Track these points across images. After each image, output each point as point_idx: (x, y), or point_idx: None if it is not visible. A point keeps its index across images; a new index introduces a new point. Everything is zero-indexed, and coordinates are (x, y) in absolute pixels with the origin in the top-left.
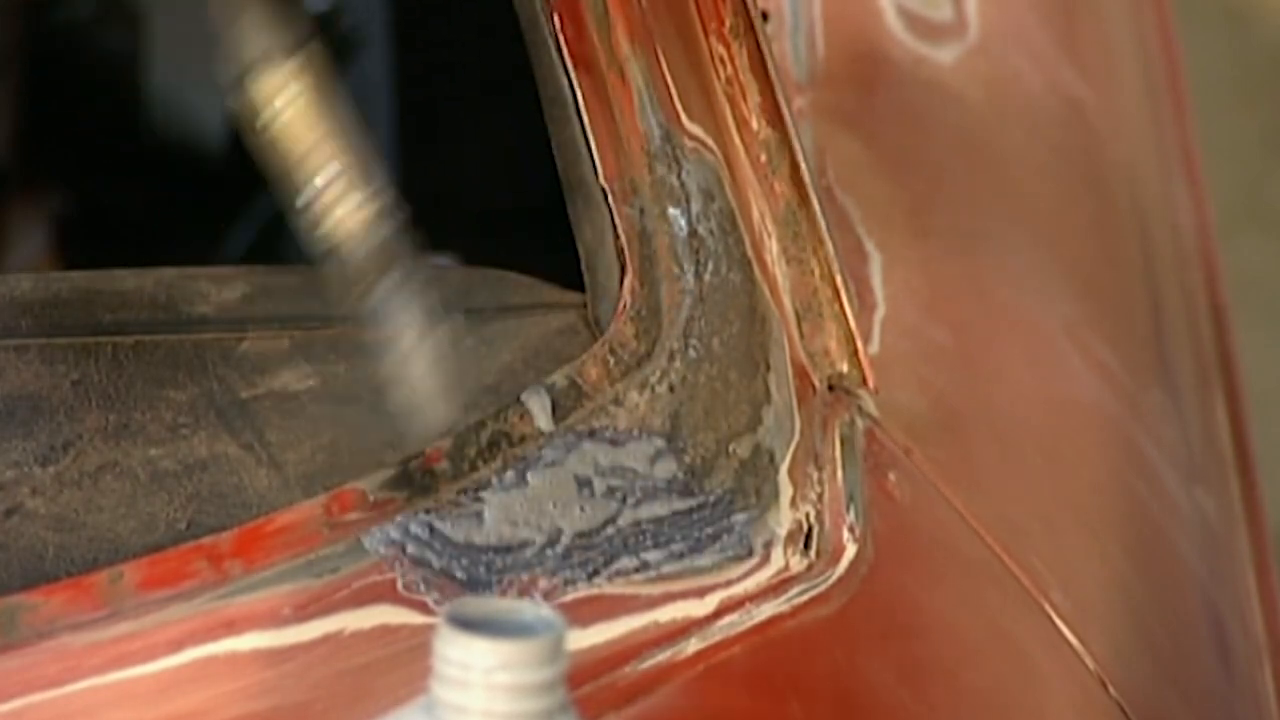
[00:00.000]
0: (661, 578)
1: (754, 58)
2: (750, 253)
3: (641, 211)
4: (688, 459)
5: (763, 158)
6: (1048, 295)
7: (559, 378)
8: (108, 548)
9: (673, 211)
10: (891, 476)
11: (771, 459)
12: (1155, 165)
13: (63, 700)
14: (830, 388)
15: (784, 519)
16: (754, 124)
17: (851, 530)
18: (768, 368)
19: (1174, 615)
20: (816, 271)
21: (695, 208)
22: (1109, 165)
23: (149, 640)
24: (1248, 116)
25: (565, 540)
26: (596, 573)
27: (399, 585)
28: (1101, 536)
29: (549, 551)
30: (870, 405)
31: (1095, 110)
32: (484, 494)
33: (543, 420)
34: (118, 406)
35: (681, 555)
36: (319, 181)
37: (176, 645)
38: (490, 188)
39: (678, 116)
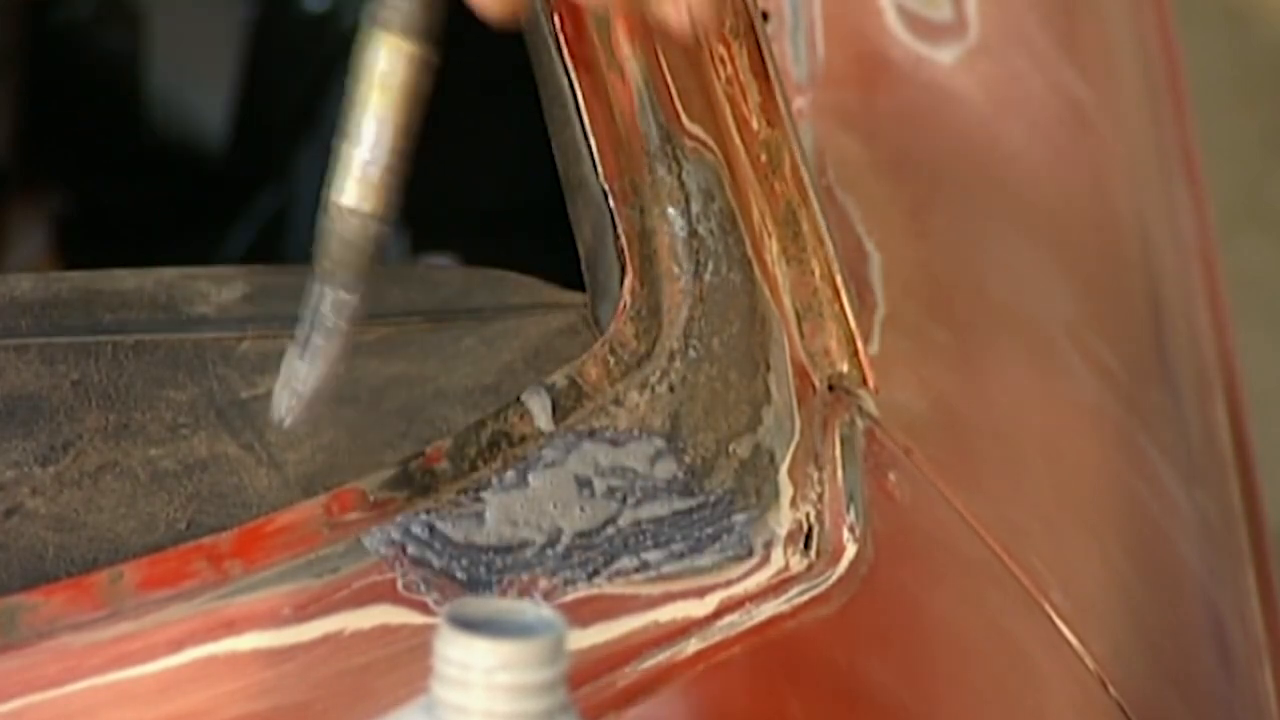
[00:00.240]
0: (661, 578)
1: (754, 58)
2: (750, 253)
3: (641, 211)
4: (688, 459)
5: (763, 158)
6: (1048, 295)
7: (559, 378)
8: (108, 548)
9: (672, 211)
10: (891, 476)
11: (771, 459)
12: (1155, 165)
13: (63, 700)
14: (830, 388)
15: (784, 519)
16: (754, 124)
17: (851, 530)
18: (768, 368)
19: (1174, 615)
20: (816, 271)
21: (695, 208)
22: (1109, 165)
23: (149, 640)
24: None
25: (565, 540)
26: (596, 573)
27: (399, 585)
28: (1101, 536)
29: (549, 551)
30: (870, 405)
31: (1095, 110)
32: (484, 494)
33: (543, 420)
34: (118, 406)
35: (681, 555)
36: (357, 152)
37: (176, 645)
38: (490, 188)
39: (678, 116)
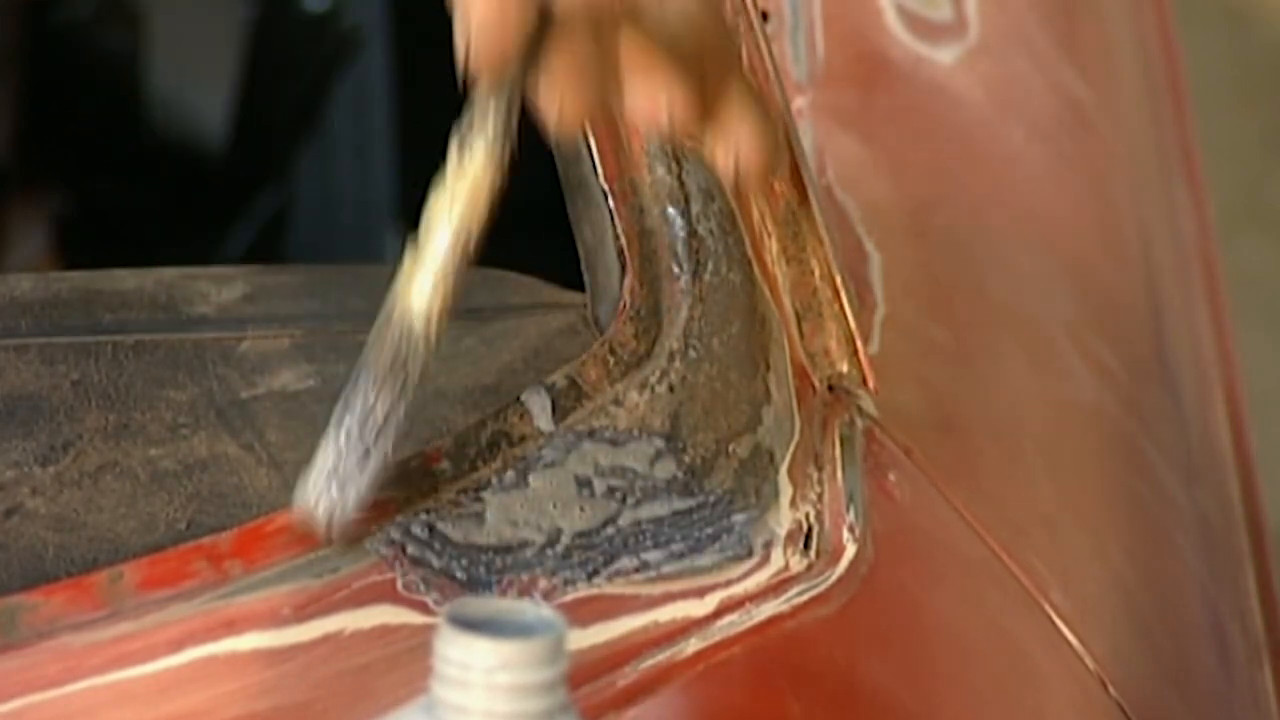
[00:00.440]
0: (661, 578)
1: (754, 58)
2: (750, 253)
3: (641, 211)
4: (687, 459)
5: None
6: (1048, 295)
7: (559, 378)
8: (108, 548)
9: (672, 211)
10: (891, 476)
11: (771, 459)
12: (1155, 165)
13: (63, 700)
14: (830, 388)
15: (784, 519)
16: None
17: (851, 530)
18: (768, 368)
19: (1174, 615)
20: (816, 271)
21: (695, 208)
22: (1109, 165)
23: (149, 640)
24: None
25: (565, 540)
26: (596, 573)
27: (399, 585)
28: (1101, 536)
29: (549, 551)
30: (870, 405)
31: (1095, 110)
32: (484, 494)
33: (543, 420)
34: (118, 406)
35: (681, 555)
36: (430, 255)
37: (176, 645)
38: None
39: None
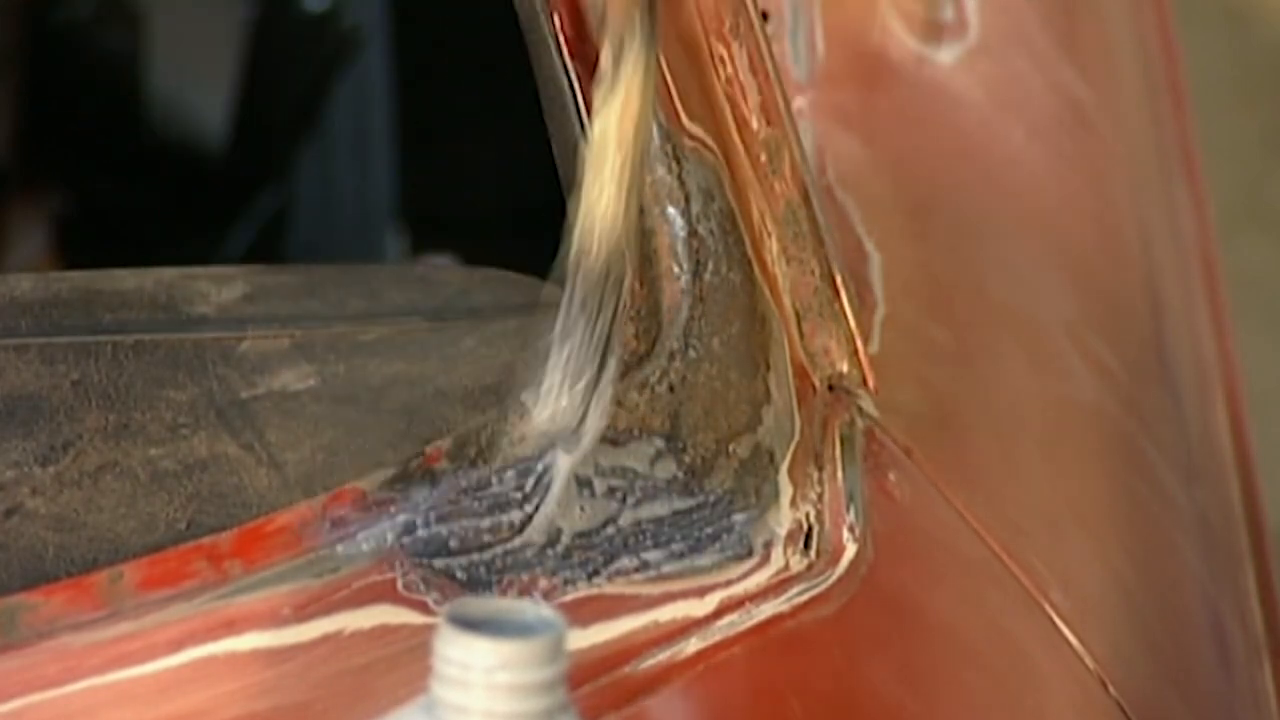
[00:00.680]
0: (661, 577)
1: (754, 58)
2: (750, 252)
3: (641, 211)
4: (688, 459)
5: (763, 158)
6: (1048, 295)
7: None
8: (108, 548)
9: (672, 211)
10: (891, 476)
11: (771, 459)
12: (1155, 165)
13: (63, 700)
14: (830, 388)
15: (784, 519)
16: (754, 124)
17: (851, 530)
18: (768, 367)
19: (1174, 615)
20: (816, 271)
21: (695, 208)
22: (1109, 165)
23: (149, 640)
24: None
25: (565, 540)
26: (596, 572)
27: (399, 585)
28: (1101, 536)
29: (549, 551)
30: (870, 405)
31: (1095, 110)
32: (484, 494)
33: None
34: (118, 406)
35: (681, 555)
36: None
37: (176, 645)
38: (490, 188)
39: (677, 116)
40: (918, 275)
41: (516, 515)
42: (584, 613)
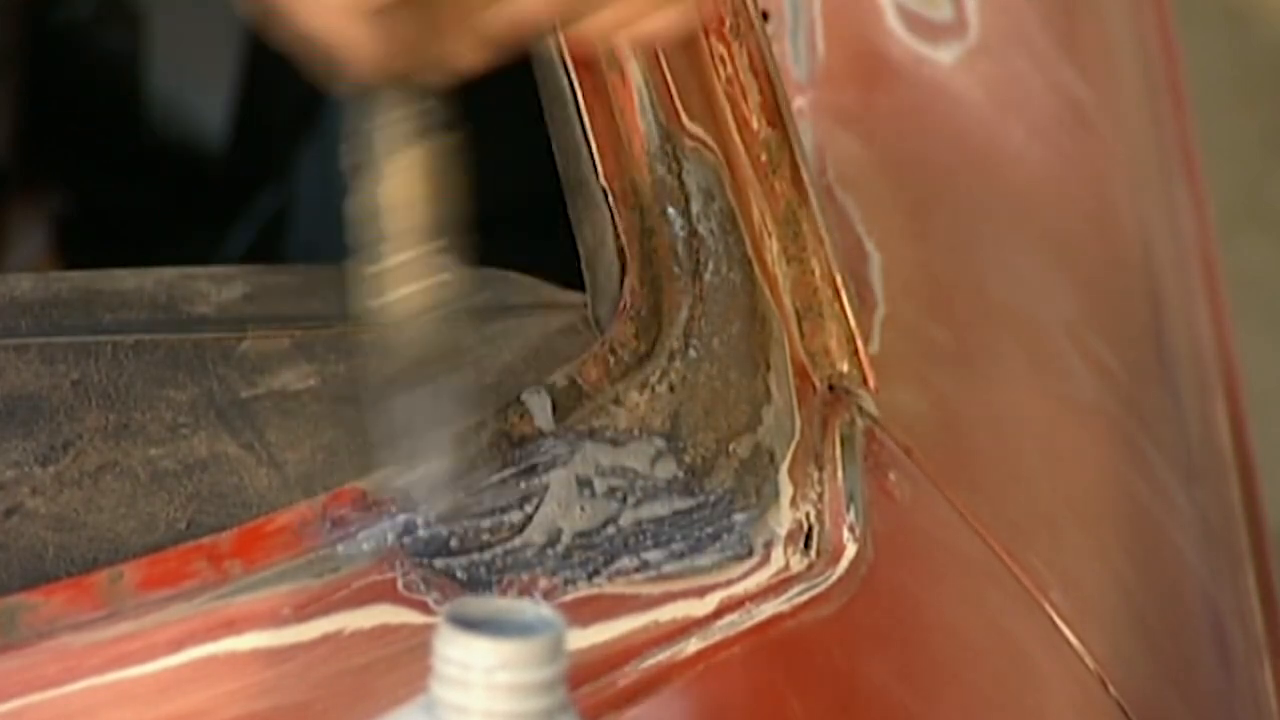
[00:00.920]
0: (662, 577)
1: (754, 58)
2: (750, 252)
3: (641, 211)
4: (688, 458)
5: (763, 158)
6: (1048, 295)
7: (559, 378)
8: (108, 548)
9: (672, 211)
10: (891, 476)
11: (771, 459)
12: (1155, 165)
13: (63, 700)
14: (830, 388)
15: (784, 519)
16: (754, 124)
17: (851, 530)
18: (768, 367)
19: (1174, 615)
20: (816, 271)
21: (695, 208)
22: (1109, 165)
23: (149, 640)
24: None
25: (566, 540)
26: (597, 572)
27: (399, 585)
28: (1101, 536)
29: (549, 551)
30: (870, 405)
31: (1095, 110)
32: (484, 494)
33: (543, 420)
34: (118, 406)
35: (682, 555)
36: (394, 259)
37: (176, 645)
38: (490, 188)
39: (678, 116)
40: (918, 275)
41: (516, 515)
42: (584, 613)
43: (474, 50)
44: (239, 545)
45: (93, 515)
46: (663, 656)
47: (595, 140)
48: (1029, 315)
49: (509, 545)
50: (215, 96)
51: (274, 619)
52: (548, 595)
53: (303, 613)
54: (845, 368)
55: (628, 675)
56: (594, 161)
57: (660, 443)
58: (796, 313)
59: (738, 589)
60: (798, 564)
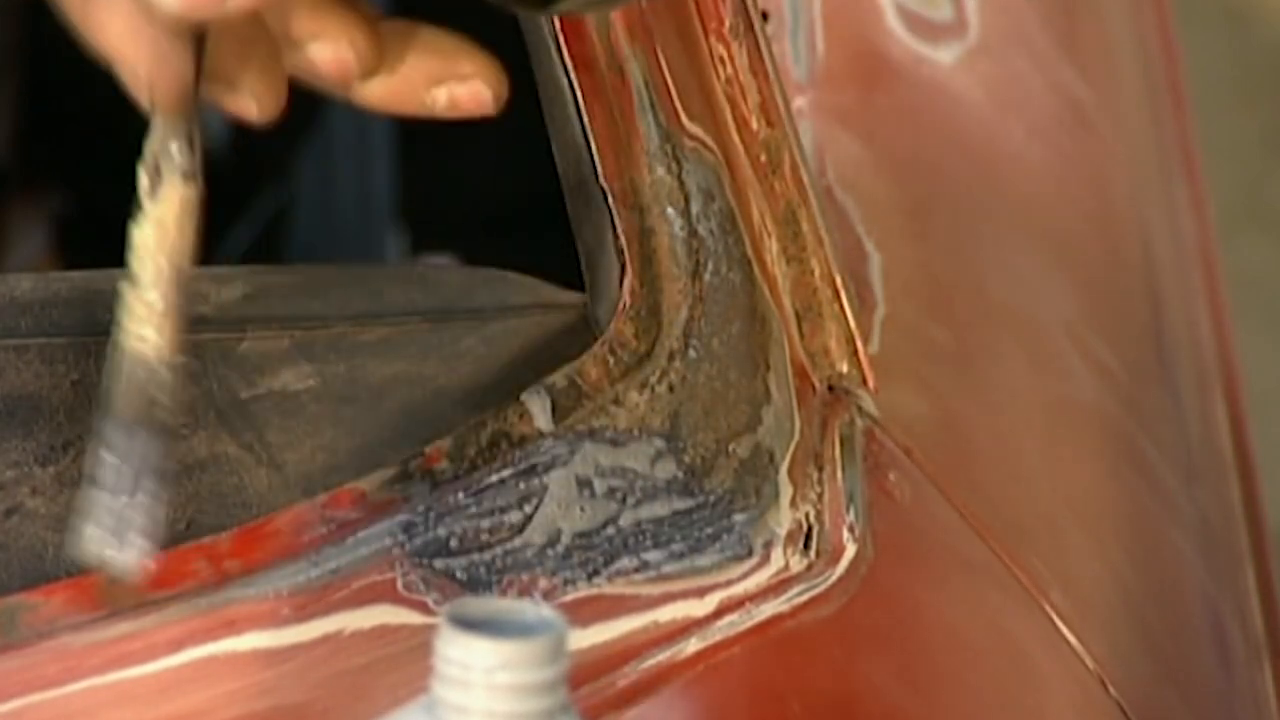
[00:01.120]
0: (662, 577)
1: (754, 58)
2: (750, 252)
3: (641, 211)
4: (688, 459)
5: (763, 158)
6: (1048, 295)
7: (559, 378)
8: None
9: (672, 211)
10: (891, 476)
11: (771, 459)
12: (1155, 165)
13: (63, 700)
14: (830, 388)
15: (784, 519)
16: (754, 124)
17: (851, 530)
18: (768, 367)
19: (1174, 615)
20: (816, 271)
21: (695, 208)
22: (1109, 165)
23: (149, 640)
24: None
25: (565, 540)
26: (596, 573)
27: (399, 585)
28: (1101, 536)
29: (549, 551)
30: (870, 405)
31: (1095, 110)
32: (484, 494)
33: (543, 420)
34: None
35: (682, 555)
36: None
37: (176, 645)
38: (490, 188)
39: (678, 116)
40: (918, 275)
41: (516, 515)
42: (584, 613)
43: (261, 92)
44: (239, 545)
45: None
46: (663, 657)
47: (595, 140)
48: (1029, 315)
49: (509, 545)
50: None
51: (274, 619)
52: (547, 595)
53: (303, 613)
54: (845, 368)
55: (627, 675)
56: (594, 161)
57: (660, 443)
58: (796, 313)
59: (738, 589)
60: (798, 564)
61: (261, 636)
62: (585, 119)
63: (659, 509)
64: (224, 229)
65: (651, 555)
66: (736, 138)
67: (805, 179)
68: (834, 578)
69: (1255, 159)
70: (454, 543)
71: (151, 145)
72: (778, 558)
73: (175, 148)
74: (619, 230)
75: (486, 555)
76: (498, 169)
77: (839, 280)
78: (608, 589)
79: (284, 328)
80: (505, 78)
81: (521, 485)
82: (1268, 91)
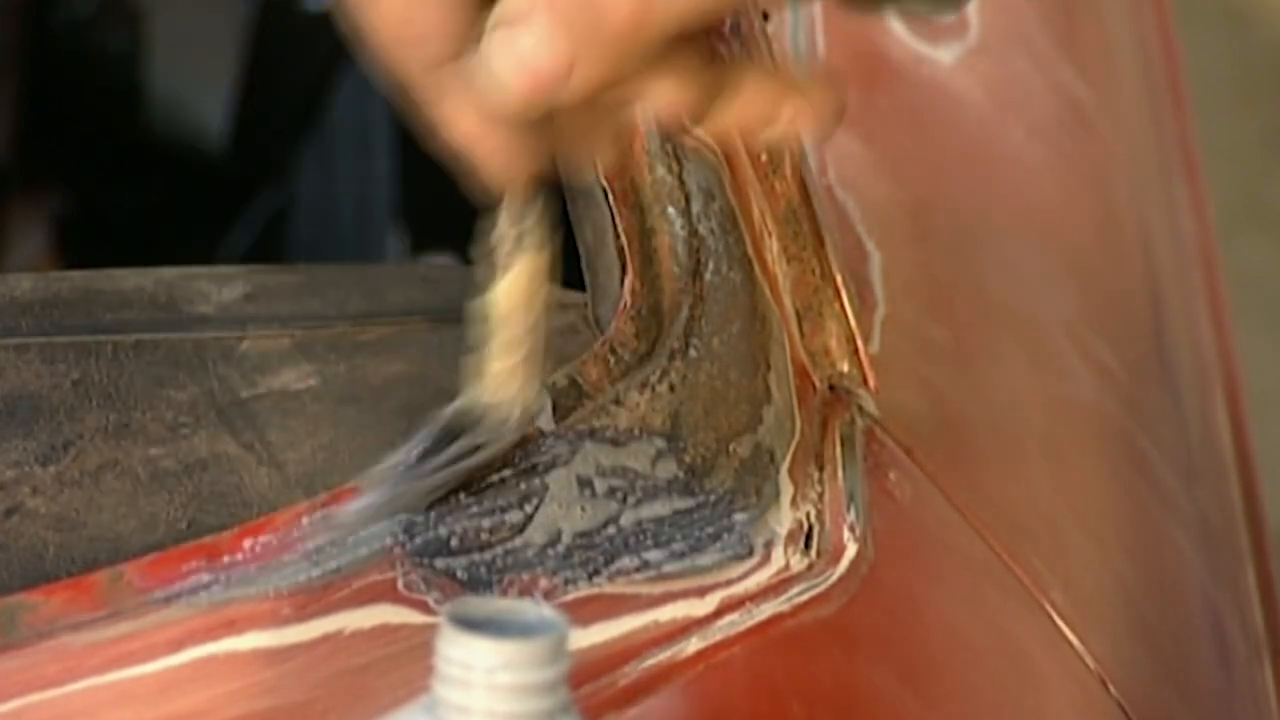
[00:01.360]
0: (662, 577)
1: (754, 58)
2: (750, 252)
3: (642, 211)
4: (688, 458)
5: (763, 158)
6: (1048, 295)
7: (559, 378)
8: (108, 547)
9: (672, 211)
10: (891, 476)
11: (772, 458)
12: (1155, 165)
13: (63, 700)
14: (831, 387)
15: (784, 518)
16: None
17: (852, 530)
18: (768, 367)
19: (1174, 615)
20: (817, 271)
21: (695, 207)
22: (1109, 165)
23: (149, 640)
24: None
25: (566, 540)
26: (597, 572)
27: (399, 585)
28: (1101, 536)
29: (550, 551)
30: (870, 405)
31: (1095, 110)
32: (484, 494)
33: (543, 420)
34: (118, 406)
35: (682, 555)
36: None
37: (176, 645)
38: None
39: None
40: (918, 275)
41: (517, 515)
42: (585, 612)
43: (605, 151)
44: (239, 545)
45: (93, 515)
46: (663, 656)
47: None
48: (1029, 315)
49: (509, 545)
50: (215, 96)
51: (274, 619)
52: (548, 595)
53: (303, 613)
54: (845, 367)
55: (628, 675)
56: (594, 161)
57: (660, 442)
58: (796, 312)
59: (738, 589)
60: (798, 564)
61: (262, 636)
62: None
63: (660, 508)
64: (224, 229)
65: (652, 555)
66: (736, 137)
67: (805, 179)
68: (834, 577)
69: (1255, 159)
70: (454, 542)
71: (504, 221)
72: (778, 557)
73: (530, 224)
74: (619, 230)
75: (487, 555)
76: None
77: (839, 280)
78: (608, 588)
79: (284, 327)
80: (837, 101)
81: (522, 485)
82: (1268, 91)
